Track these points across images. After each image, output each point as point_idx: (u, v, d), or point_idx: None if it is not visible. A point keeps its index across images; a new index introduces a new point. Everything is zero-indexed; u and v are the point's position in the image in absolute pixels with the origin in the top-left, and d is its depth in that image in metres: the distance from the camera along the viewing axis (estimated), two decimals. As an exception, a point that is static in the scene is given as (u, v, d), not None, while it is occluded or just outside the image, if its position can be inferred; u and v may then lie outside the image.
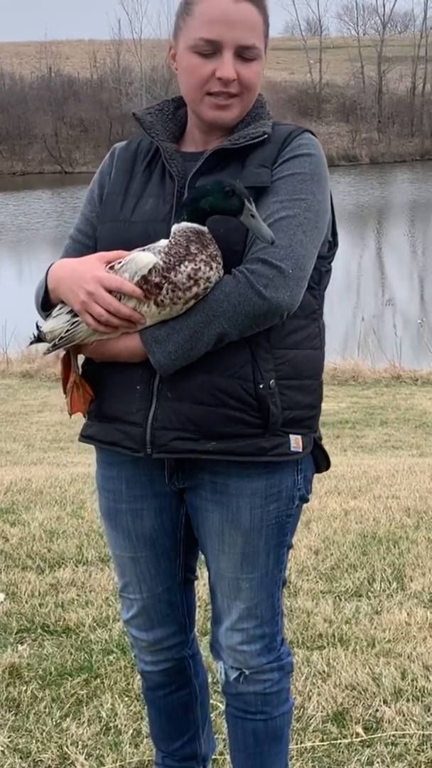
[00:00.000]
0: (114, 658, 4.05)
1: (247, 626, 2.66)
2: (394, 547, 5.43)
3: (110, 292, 2.40)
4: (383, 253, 32.91)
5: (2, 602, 4.67)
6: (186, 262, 2.37)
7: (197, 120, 2.62)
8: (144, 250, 2.45)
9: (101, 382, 2.59)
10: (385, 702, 3.67)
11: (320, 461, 2.73)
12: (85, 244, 2.68)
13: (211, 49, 2.49)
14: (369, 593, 4.76)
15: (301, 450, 2.58)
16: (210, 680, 3.66)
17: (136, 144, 2.72)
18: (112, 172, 2.71)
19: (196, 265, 2.37)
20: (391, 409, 13.45)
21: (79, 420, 2.68)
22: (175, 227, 2.42)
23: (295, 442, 2.56)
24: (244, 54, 2.51)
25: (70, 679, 3.89)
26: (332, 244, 2.62)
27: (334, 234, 2.62)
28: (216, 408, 2.46)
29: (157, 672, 2.87)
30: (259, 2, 2.53)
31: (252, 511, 2.57)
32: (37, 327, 2.63)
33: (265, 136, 2.54)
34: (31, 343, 2.68)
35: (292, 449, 2.56)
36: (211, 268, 2.38)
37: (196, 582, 2.90)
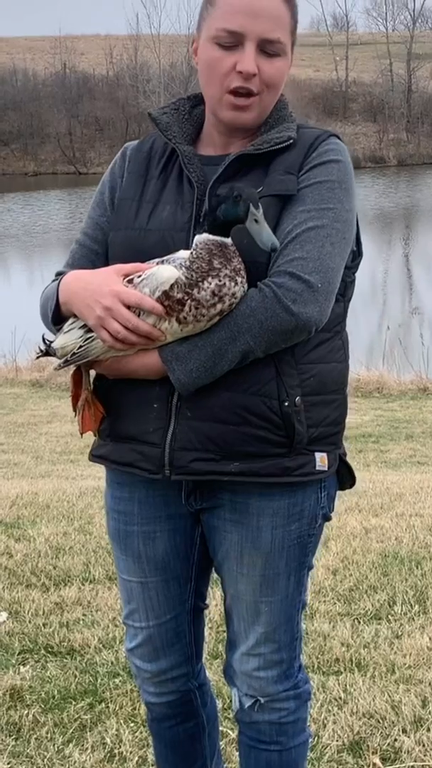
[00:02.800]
0: (120, 681, 4.04)
1: (265, 651, 2.64)
2: (417, 567, 5.41)
3: (128, 307, 2.38)
4: (411, 259, 32.84)
5: (4, 621, 4.67)
6: (210, 278, 2.34)
7: (216, 120, 2.59)
8: (163, 261, 2.43)
9: (114, 399, 2.57)
10: (404, 731, 3.65)
11: (344, 478, 2.71)
12: (93, 250, 2.66)
13: (232, 41, 2.46)
14: (389, 616, 4.74)
15: (326, 469, 2.57)
16: (220, 705, 3.64)
17: (150, 145, 2.69)
18: (124, 175, 2.69)
19: (220, 280, 2.34)
20: (417, 422, 13.40)
21: (91, 434, 2.67)
22: (196, 239, 2.39)
23: (321, 460, 2.55)
24: (267, 48, 2.48)
25: (73, 703, 3.88)
26: (357, 254, 2.60)
27: (359, 243, 2.60)
28: (238, 427, 2.44)
29: (161, 704, 2.84)
30: None
31: (273, 531, 2.55)
32: (44, 340, 2.60)
33: (291, 141, 2.52)
34: (38, 356, 2.65)
35: (318, 468, 2.54)
36: (236, 283, 2.36)
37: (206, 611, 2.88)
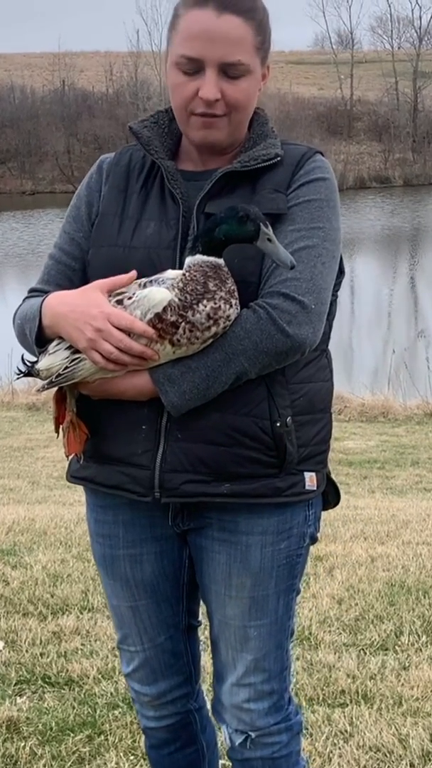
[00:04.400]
0: (119, 713, 4.03)
1: (254, 681, 2.64)
2: (424, 597, 5.40)
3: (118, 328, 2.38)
4: (416, 281, 32.90)
5: (1, 651, 4.66)
6: (205, 301, 2.36)
7: (190, 144, 2.62)
8: (150, 281, 2.44)
9: (99, 420, 2.57)
10: (412, 765, 3.63)
11: (330, 497, 2.74)
12: (70, 266, 2.67)
13: (193, 68, 2.49)
14: (396, 647, 4.73)
15: (315, 488, 2.61)
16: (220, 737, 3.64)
17: (128, 158, 2.71)
18: (102, 190, 2.70)
19: (215, 303, 2.36)
20: (423, 448, 13.40)
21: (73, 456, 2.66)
22: (189, 260, 2.41)
23: (310, 480, 2.59)
24: (229, 71, 2.49)
25: (72, 735, 3.87)
26: (339, 272, 2.63)
27: (341, 261, 2.64)
28: (230, 448, 2.46)
29: (161, 728, 2.85)
30: (247, 12, 2.49)
31: (263, 549, 2.57)
32: (24, 361, 2.60)
33: (278, 158, 2.55)
34: (18, 377, 2.66)
35: (307, 488, 2.58)
36: (231, 306, 2.38)
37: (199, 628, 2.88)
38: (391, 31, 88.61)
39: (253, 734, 2.66)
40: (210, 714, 2.95)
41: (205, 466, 2.47)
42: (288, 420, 2.49)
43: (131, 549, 2.68)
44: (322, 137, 64.50)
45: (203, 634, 2.85)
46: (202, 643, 2.90)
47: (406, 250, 39.51)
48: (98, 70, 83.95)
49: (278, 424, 2.48)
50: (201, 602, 2.81)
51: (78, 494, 9.75)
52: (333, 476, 2.76)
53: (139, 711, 2.88)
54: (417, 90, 76.91)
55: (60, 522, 7.43)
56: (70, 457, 2.69)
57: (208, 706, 2.94)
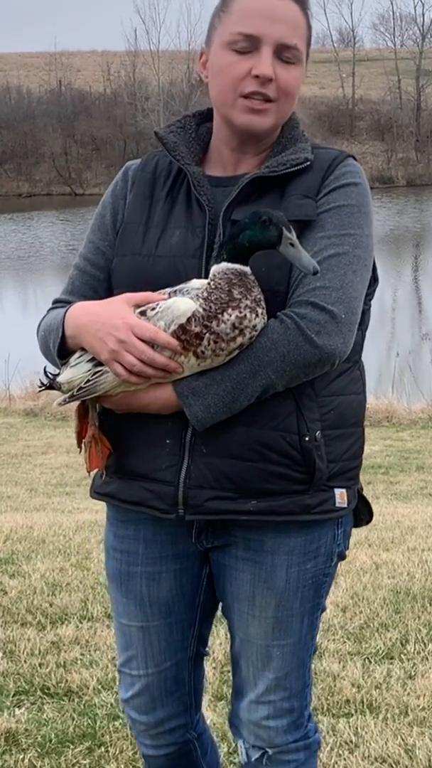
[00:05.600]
0: (120, 724, 4.02)
1: (275, 699, 2.61)
2: (430, 604, 5.39)
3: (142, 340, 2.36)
4: (420, 282, 32.91)
5: (-1, 661, 4.65)
6: (230, 310, 2.32)
7: (227, 132, 2.57)
8: (176, 291, 2.41)
9: (122, 435, 2.54)
10: (418, 776, 3.63)
11: (361, 514, 2.71)
12: (95, 276, 2.64)
13: (248, 45, 2.46)
14: (402, 655, 4.72)
15: (346, 505, 2.57)
16: (225, 749, 3.63)
17: (153, 165, 2.67)
18: (127, 197, 2.67)
19: (240, 312, 2.32)
20: (428, 453, 13.39)
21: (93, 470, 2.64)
22: (214, 269, 2.38)
23: (340, 496, 2.55)
24: (284, 55, 2.48)
25: (71, 746, 3.86)
26: (373, 280, 2.59)
27: (374, 268, 2.60)
28: (256, 463, 2.43)
29: (159, 757, 2.80)
30: (303, 3, 2.51)
31: (288, 569, 2.54)
32: (47, 373, 2.58)
33: (308, 163, 2.52)
34: (41, 390, 2.62)
35: (338, 505, 2.54)
36: (257, 315, 2.34)
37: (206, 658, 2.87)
38: (394, 28, 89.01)
39: (270, 751, 2.64)
40: (212, 736, 2.93)
41: (230, 482, 2.44)
42: (317, 434, 2.46)
43: (150, 566, 2.65)
44: (323, 137, 64.48)
45: (221, 643, 2.84)
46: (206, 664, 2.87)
47: (409, 251, 39.52)
48: (95, 69, 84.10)
49: (307, 439, 2.44)
50: (212, 628, 2.80)
51: (77, 502, 9.77)
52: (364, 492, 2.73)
53: (136, 738, 2.85)
54: (420, 88, 76.99)
55: (59, 530, 7.43)
56: (94, 473, 2.65)
57: (214, 722, 2.92)
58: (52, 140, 73.89)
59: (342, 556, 2.66)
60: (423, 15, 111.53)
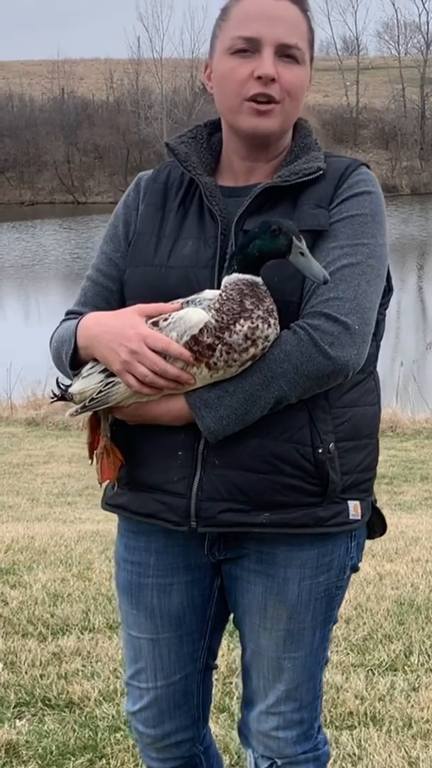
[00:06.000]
0: (121, 736, 4.01)
1: (285, 709, 2.61)
2: (434, 616, 5.38)
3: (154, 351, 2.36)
4: (425, 291, 32.91)
5: (0, 672, 4.65)
6: (242, 320, 2.32)
7: (236, 139, 2.57)
8: (188, 302, 2.41)
9: (134, 446, 2.54)
10: (422, 789, 3.62)
11: (375, 526, 2.70)
12: (107, 287, 2.65)
13: (249, 48, 2.47)
14: (405, 667, 4.71)
15: (360, 518, 2.57)
16: (228, 761, 3.62)
17: (165, 175, 2.68)
18: (139, 208, 2.67)
19: (253, 323, 2.32)
20: (432, 463, 13.39)
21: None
22: (226, 279, 2.38)
23: (354, 509, 2.54)
24: (286, 54, 2.48)
25: (72, 759, 3.85)
26: (387, 289, 2.59)
27: (388, 277, 2.59)
28: (269, 475, 2.43)
29: None
30: (301, 3, 2.52)
31: (301, 582, 2.54)
32: (59, 384, 2.58)
33: (320, 172, 2.51)
34: (53, 401, 2.63)
35: (351, 517, 2.54)
36: (269, 325, 2.34)
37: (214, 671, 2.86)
38: (398, 36, 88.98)
39: (279, 761, 2.64)
40: (217, 750, 2.92)
41: (243, 494, 2.43)
42: (331, 446, 2.45)
43: (161, 578, 2.64)
44: (327, 145, 64.19)
45: (223, 654, 2.83)
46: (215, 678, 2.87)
47: (414, 260, 39.51)
48: (98, 77, 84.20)
49: (320, 451, 2.44)
50: (221, 640, 2.79)
51: (79, 512, 9.76)
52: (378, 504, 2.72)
53: (142, 751, 2.84)
54: (424, 97, 76.97)
55: (60, 540, 7.42)
56: (105, 484, 2.65)
57: (216, 734, 2.91)
58: (55, 148, 73.97)
59: (355, 569, 2.66)
60: (427, 23, 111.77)
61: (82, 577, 6.23)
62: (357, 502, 2.55)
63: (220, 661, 4.29)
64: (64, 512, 9.90)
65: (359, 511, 2.55)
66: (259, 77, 2.46)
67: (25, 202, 71.36)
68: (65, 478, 12.39)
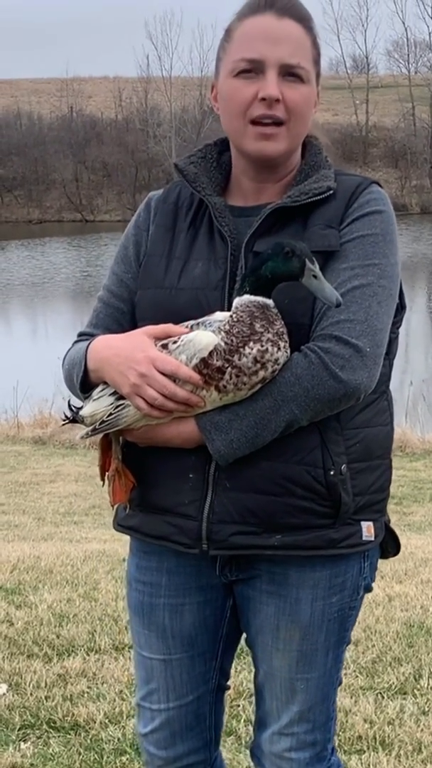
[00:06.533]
0: (127, 759, 3.99)
1: (298, 730, 2.60)
2: (444, 638, 5.35)
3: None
4: (435, 310, 32.88)
5: (4, 694, 4.63)
6: (251, 343, 2.32)
7: (243, 161, 2.57)
8: (198, 324, 2.41)
9: (145, 468, 2.55)
10: None
11: (389, 545, 2.69)
12: (119, 308, 2.65)
13: (253, 70, 2.47)
14: (415, 690, 4.68)
15: (373, 538, 2.56)
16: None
17: (176, 195, 2.68)
18: (150, 228, 2.67)
19: (262, 346, 2.32)
20: (442, 483, 13.34)
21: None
22: (236, 301, 2.38)
23: (367, 530, 2.54)
24: (289, 74, 2.48)
25: (77, 782, 3.83)
26: (400, 307, 2.58)
27: (401, 295, 2.58)
28: (281, 498, 2.42)
29: None
30: (305, 21, 2.52)
31: (313, 603, 2.54)
32: (71, 406, 2.60)
33: (331, 191, 2.51)
34: (64, 423, 2.65)
35: (365, 538, 2.54)
36: (279, 348, 2.34)
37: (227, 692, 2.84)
38: (408, 55, 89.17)
39: None
40: (238, 754, 2.90)
41: (254, 516, 2.43)
42: (343, 468, 2.45)
43: (173, 598, 2.64)
44: (337, 164, 64.48)
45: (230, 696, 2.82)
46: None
47: (424, 279, 39.54)
48: (107, 95, 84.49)
49: (332, 473, 2.43)
50: (234, 660, 2.78)
51: (85, 531, 9.74)
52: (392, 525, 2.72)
53: None
54: (434, 115, 77.07)
55: (66, 560, 7.41)
56: (116, 506, 2.65)
57: (231, 753, 2.89)
58: (63, 166, 74.23)
59: (368, 589, 2.65)
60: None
61: (88, 597, 6.21)
62: (370, 523, 2.54)
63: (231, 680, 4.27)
64: (71, 531, 9.88)
65: (372, 531, 2.55)
66: (263, 99, 2.46)
67: (33, 220, 71.58)
68: (72, 497, 12.37)
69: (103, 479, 2.62)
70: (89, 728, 4.29)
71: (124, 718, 4.36)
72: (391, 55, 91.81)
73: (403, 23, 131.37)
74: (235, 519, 2.43)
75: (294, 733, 2.60)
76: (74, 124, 78.49)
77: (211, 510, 2.45)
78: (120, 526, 2.68)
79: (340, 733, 4.22)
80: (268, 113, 2.47)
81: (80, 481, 13.39)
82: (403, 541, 8.48)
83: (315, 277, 2.32)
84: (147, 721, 2.73)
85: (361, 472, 2.50)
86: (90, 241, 50.12)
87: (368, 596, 6.04)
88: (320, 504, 2.44)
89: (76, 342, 2.67)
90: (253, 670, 2.70)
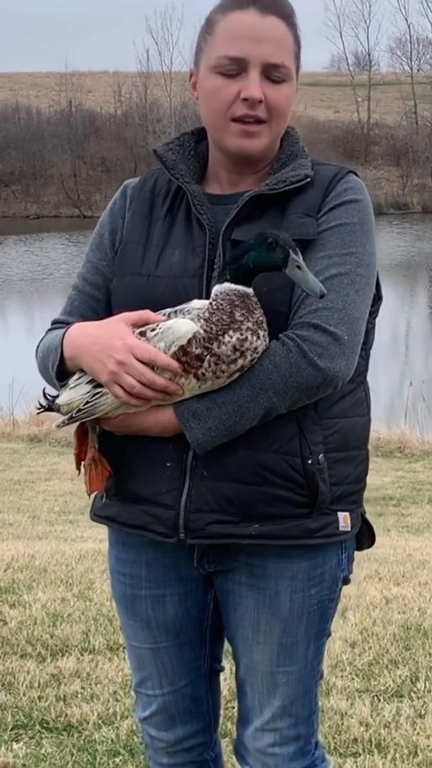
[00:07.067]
0: (120, 761, 3.99)
1: (281, 726, 2.62)
2: (442, 641, 5.35)
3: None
4: (435, 310, 32.88)
5: (-3, 693, 4.62)
6: (231, 332, 2.34)
7: (222, 155, 2.60)
8: (175, 311, 2.42)
9: (122, 457, 2.56)
10: None
11: (364, 537, 2.72)
12: (94, 296, 2.66)
13: (235, 68, 2.49)
14: (412, 693, 4.69)
15: (349, 529, 2.58)
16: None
17: (152, 183, 2.70)
18: (126, 216, 2.69)
19: (242, 334, 2.34)
20: (441, 485, 13.35)
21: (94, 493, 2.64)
22: (216, 289, 2.39)
23: (344, 520, 2.56)
24: (272, 74, 2.50)
25: (69, 783, 3.83)
26: (377, 297, 2.60)
27: (378, 285, 2.61)
28: (259, 487, 2.44)
29: None
30: (288, 18, 2.53)
31: (292, 595, 2.55)
32: (46, 395, 2.59)
33: (308, 179, 2.53)
34: (39, 411, 2.65)
35: (341, 529, 2.56)
36: (259, 337, 2.36)
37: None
38: (411, 52, 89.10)
39: None
40: (231, 756, 2.92)
41: (232, 505, 2.45)
42: (320, 457, 2.47)
43: (154, 590, 2.66)
44: (338, 161, 64.37)
45: (225, 678, 2.82)
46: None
47: (424, 278, 39.54)
48: (106, 90, 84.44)
49: (310, 462, 2.45)
50: (225, 645, 2.79)
51: (80, 530, 9.74)
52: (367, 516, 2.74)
53: (151, 757, 2.85)
54: (437, 113, 77.07)
55: (61, 559, 7.41)
56: (93, 495, 2.66)
57: (225, 755, 2.91)
58: (61, 161, 74.13)
59: (346, 581, 2.68)
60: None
61: (82, 596, 6.21)
62: (347, 514, 2.57)
63: (223, 685, 4.27)
64: (66, 530, 9.88)
65: (349, 522, 2.57)
66: (246, 99, 2.48)
67: (30, 215, 71.47)
68: (67, 496, 12.37)
69: (78, 468, 2.62)
70: (82, 729, 4.29)
71: (118, 718, 4.36)
72: (393, 52, 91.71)
73: (406, 20, 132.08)
74: (213, 508, 2.45)
75: (277, 729, 2.62)
76: (73, 118, 78.36)
77: (188, 499, 2.47)
78: (96, 515, 2.70)
79: (336, 735, 4.23)
80: (251, 113, 2.50)
81: (76, 479, 13.29)
82: (401, 542, 8.54)
83: (299, 267, 2.34)
84: (145, 706, 2.77)
85: (338, 462, 2.52)
86: (89, 237, 49.32)
87: (365, 598, 6.08)
88: (298, 493, 2.46)
89: (50, 330, 2.68)
90: (234, 665, 2.71)
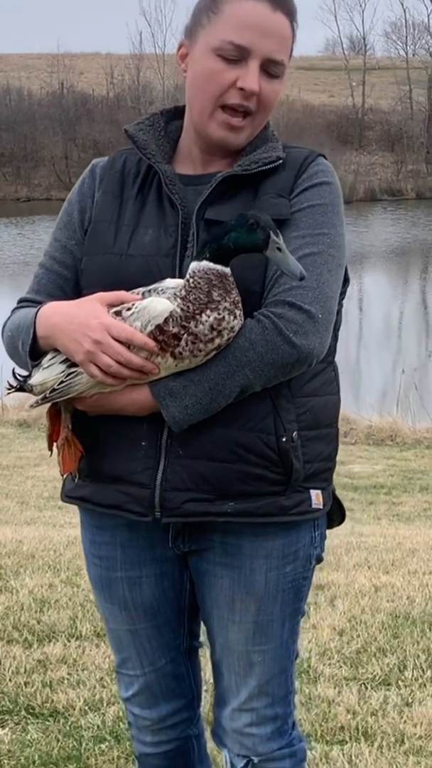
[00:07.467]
0: (106, 747, 4.01)
1: (258, 706, 2.65)
2: (430, 630, 5.38)
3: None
4: (428, 298, 32.91)
5: (-17, 679, 4.64)
6: (208, 311, 2.35)
7: (197, 136, 2.62)
8: (149, 291, 2.43)
9: (96, 437, 2.56)
10: (413, 807, 3.61)
11: (335, 515, 2.75)
12: (62, 275, 2.67)
13: (237, 56, 2.50)
14: (399, 682, 4.71)
15: (321, 506, 2.61)
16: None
17: (122, 163, 2.71)
18: (95, 195, 2.70)
19: (219, 314, 2.35)
20: (432, 473, 13.38)
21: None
22: (194, 266, 2.40)
23: (316, 497, 2.59)
24: (270, 69, 2.53)
25: (55, 769, 3.84)
26: (344, 280, 2.64)
27: (345, 269, 2.64)
28: (234, 465, 2.46)
29: (157, 754, 2.83)
30: (293, 16, 2.57)
31: (267, 573, 2.58)
32: (15, 375, 2.59)
33: (280, 161, 2.56)
34: (9, 392, 2.65)
35: (314, 506, 2.59)
36: (235, 317, 2.38)
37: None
38: (406, 37, 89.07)
39: (255, 759, 2.67)
40: (208, 749, 2.94)
41: (207, 483, 2.47)
42: (294, 435, 2.50)
43: (129, 571, 2.68)
44: (331, 146, 64.45)
45: (204, 655, 2.85)
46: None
47: (417, 265, 39.53)
48: (99, 72, 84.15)
49: (284, 440, 2.48)
50: (202, 622, 2.81)
51: (69, 516, 9.75)
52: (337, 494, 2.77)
53: (135, 737, 2.87)
54: (432, 99, 77.02)
55: (49, 545, 7.42)
56: (65, 476, 2.67)
57: (207, 734, 2.93)
58: (53, 144, 73.85)
59: (319, 559, 2.70)
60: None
61: (70, 583, 6.22)
62: (319, 491, 2.60)
63: (204, 669, 4.29)
64: (54, 516, 9.89)
65: (321, 500, 2.60)
66: (242, 89, 2.51)
67: (20, 198, 71.23)
68: (56, 482, 12.36)
69: (51, 449, 2.63)
70: (68, 715, 4.31)
71: (104, 705, 4.37)
72: (388, 36, 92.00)
73: (402, 4, 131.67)
74: (188, 486, 2.47)
75: (254, 708, 2.64)
76: (65, 100, 78.03)
77: (163, 477, 2.48)
78: (68, 497, 2.71)
79: (323, 723, 4.25)
80: (244, 104, 2.53)
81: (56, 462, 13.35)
82: (391, 531, 8.57)
83: (279, 249, 2.36)
84: (127, 686, 2.80)
85: (311, 440, 2.55)
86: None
87: (354, 586, 6.10)
88: (272, 471, 2.48)
89: (17, 308, 2.68)
90: (209, 647, 2.73)
